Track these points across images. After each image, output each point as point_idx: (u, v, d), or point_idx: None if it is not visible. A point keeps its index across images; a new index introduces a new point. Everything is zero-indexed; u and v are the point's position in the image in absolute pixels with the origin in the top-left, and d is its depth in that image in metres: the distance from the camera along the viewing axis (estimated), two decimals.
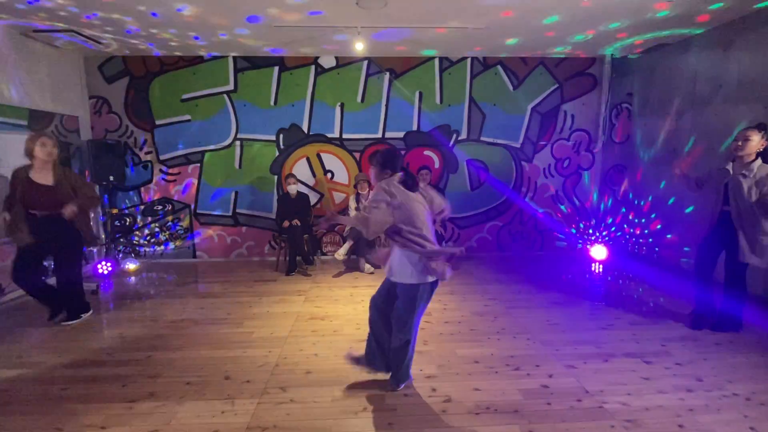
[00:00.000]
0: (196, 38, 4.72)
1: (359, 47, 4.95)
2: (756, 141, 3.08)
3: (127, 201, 5.79)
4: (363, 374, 2.79)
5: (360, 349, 3.14)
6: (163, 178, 5.76)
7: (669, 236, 5.05)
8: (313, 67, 5.65)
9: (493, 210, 6.06)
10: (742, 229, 3.13)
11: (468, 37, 4.74)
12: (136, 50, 5.20)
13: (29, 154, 3.37)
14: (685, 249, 4.89)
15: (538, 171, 6.02)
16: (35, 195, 3.36)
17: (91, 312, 3.84)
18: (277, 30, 4.42)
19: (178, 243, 5.89)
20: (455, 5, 3.78)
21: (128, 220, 5.81)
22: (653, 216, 5.30)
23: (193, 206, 5.85)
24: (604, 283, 4.83)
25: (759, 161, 3.10)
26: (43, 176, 3.39)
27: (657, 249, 5.27)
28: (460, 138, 5.88)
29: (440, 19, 4.15)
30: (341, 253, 5.06)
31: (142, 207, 5.81)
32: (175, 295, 4.48)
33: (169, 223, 5.86)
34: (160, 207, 5.83)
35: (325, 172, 5.90)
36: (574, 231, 6.11)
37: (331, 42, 4.91)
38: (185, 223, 5.88)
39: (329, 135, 5.80)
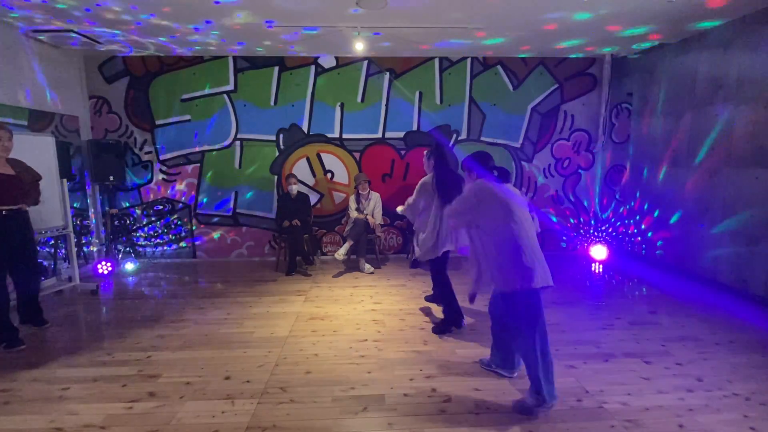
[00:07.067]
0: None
1: (359, 47, 4.94)
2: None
3: (127, 201, 5.80)
4: (363, 374, 2.79)
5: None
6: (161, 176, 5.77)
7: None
8: (313, 67, 5.64)
9: None
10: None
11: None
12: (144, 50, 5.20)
13: None
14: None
15: (537, 171, 6.02)
16: None
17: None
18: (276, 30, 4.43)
19: (181, 243, 5.89)
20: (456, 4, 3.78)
21: (128, 220, 5.81)
22: (656, 215, 5.29)
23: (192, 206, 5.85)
24: (604, 283, 4.83)
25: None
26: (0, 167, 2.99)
27: (659, 248, 5.27)
28: (460, 138, 5.88)
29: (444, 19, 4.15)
30: (341, 253, 5.05)
31: (143, 207, 5.81)
32: (175, 295, 4.48)
33: (170, 221, 5.86)
34: (160, 207, 5.83)
35: (325, 172, 5.90)
36: (576, 232, 6.11)
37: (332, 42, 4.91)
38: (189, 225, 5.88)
39: (329, 135, 5.80)
